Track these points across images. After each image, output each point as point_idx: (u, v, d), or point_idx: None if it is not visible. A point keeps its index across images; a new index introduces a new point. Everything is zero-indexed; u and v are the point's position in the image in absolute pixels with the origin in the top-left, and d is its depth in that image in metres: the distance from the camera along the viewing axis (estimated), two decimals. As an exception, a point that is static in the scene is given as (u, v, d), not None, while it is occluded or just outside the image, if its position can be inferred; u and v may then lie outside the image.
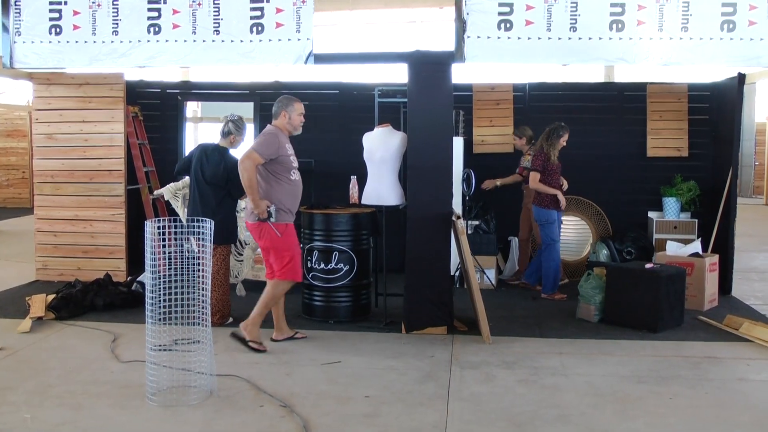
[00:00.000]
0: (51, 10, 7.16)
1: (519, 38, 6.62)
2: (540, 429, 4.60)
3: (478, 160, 9.38)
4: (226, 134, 7.05)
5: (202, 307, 5.08)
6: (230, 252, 7.22)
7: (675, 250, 7.88)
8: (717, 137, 9.38)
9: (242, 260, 8.41)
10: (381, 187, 7.39)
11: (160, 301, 5.03)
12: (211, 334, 5.14)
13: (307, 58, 6.85)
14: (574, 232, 9.71)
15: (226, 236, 6.99)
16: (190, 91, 10.61)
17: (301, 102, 6.36)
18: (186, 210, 7.43)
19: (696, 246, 7.92)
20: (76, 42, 7.16)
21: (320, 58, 6.93)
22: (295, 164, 6.29)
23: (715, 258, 7.96)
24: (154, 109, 10.06)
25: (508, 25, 6.62)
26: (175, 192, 7.84)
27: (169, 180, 9.74)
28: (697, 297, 7.64)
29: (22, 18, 7.22)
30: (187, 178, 7.44)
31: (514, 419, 4.74)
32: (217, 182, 6.93)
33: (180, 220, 5.31)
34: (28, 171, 17.30)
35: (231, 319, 7.09)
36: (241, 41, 6.92)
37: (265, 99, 9.98)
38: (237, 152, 7.29)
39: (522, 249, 9.07)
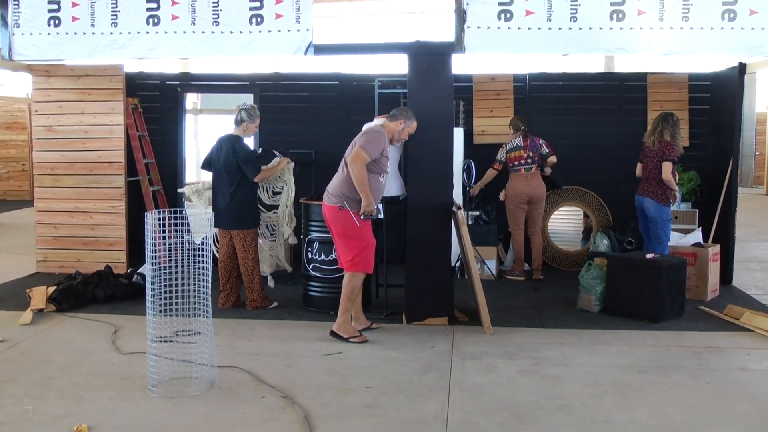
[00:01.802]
0: (50, 2, 7.13)
1: (519, 28, 6.60)
2: (541, 419, 4.61)
3: (478, 151, 9.36)
4: (238, 122, 7.19)
5: (203, 299, 5.08)
6: (256, 236, 7.32)
7: (676, 240, 7.87)
8: (717, 127, 9.36)
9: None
10: (381, 178, 7.40)
11: (160, 292, 5.03)
12: (212, 325, 5.14)
13: (306, 49, 6.83)
14: (574, 223, 9.71)
15: (248, 221, 7.23)
16: (190, 82, 10.59)
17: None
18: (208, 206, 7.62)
19: (697, 236, 7.91)
20: (75, 34, 7.14)
21: (320, 49, 6.92)
22: (388, 168, 6.37)
23: (717, 248, 7.95)
24: (154, 101, 10.05)
25: (508, 15, 6.60)
26: (199, 192, 7.87)
27: (169, 172, 9.79)
28: (700, 287, 7.63)
29: (20, 10, 7.20)
30: (208, 180, 7.61)
31: (516, 410, 4.74)
32: (229, 169, 7.10)
33: (182, 212, 5.30)
34: (28, 163, 17.30)
35: (276, 303, 7.39)
36: (241, 32, 6.90)
37: (264, 90, 9.99)
38: (250, 141, 7.40)
39: (516, 240, 8.92)
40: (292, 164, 7.76)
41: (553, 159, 8.74)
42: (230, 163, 7.09)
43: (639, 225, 8.42)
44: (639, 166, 8.18)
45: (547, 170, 8.78)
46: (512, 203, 8.70)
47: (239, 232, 7.17)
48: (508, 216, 8.82)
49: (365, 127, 7.61)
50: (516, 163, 8.61)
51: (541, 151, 8.69)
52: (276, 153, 7.48)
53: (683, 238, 7.88)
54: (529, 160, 8.63)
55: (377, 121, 7.59)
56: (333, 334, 6.20)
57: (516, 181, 8.66)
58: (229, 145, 7.13)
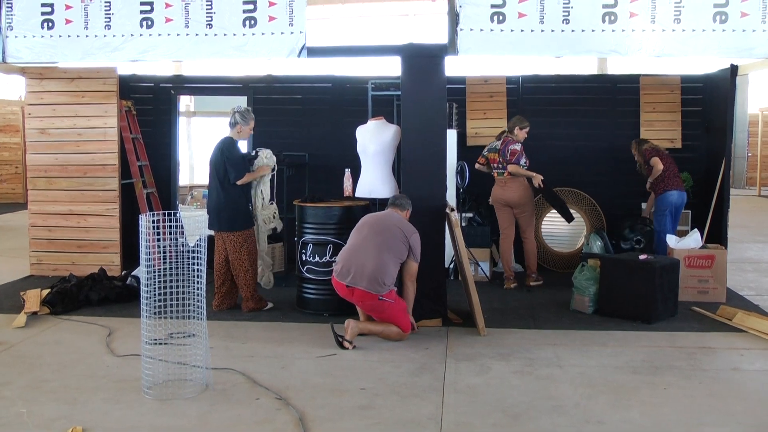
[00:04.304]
0: (43, 5, 7.11)
1: (512, 30, 6.61)
2: (535, 420, 4.62)
3: (471, 153, 9.36)
4: (232, 125, 7.26)
5: (197, 301, 5.09)
6: (249, 238, 7.30)
7: (674, 243, 7.86)
8: (710, 128, 9.41)
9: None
10: (375, 180, 7.41)
11: (154, 295, 5.03)
12: (207, 328, 5.15)
13: (300, 52, 6.83)
14: (567, 225, 9.72)
15: (239, 223, 7.22)
16: (183, 85, 10.59)
17: None
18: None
19: (696, 238, 7.88)
20: (69, 36, 7.12)
21: (313, 52, 6.92)
22: None
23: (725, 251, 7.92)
24: (147, 104, 10.04)
25: (501, 18, 6.61)
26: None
27: (163, 174, 9.78)
28: (719, 289, 7.63)
29: (13, 12, 7.18)
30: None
31: (510, 410, 4.76)
32: (219, 171, 7.16)
33: (176, 215, 5.31)
34: (21, 166, 17.27)
35: (271, 305, 7.39)
36: (234, 35, 6.89)
37: (258, 92, 9.98)
38: (243, 143, 7.53)
39: (501, 244, 8.73)
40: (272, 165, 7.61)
41: (510, 168, 8.24)
42: (219, 165, 7.15)
43: (667, 222, 8.48)
44: (658, 160, 8.55)
45: (535, 181, 8.29)
46: (494, 206, 8.66)
47: (231, 234, 7.17)
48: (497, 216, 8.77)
49: (358, 131, 7.65)
50: (493, 165, 8.53)
51: (506, 157, 8.29)
52: (255, 152, 7.42)
53: (682, 241, 7.87)
54: (499, 165, 8.41)
55: (371, 123, 7.64)
56: (333, 329, 6.19)
57: (495, 185, 8.56)
58: (219, 147, 7.21)
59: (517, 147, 8.27)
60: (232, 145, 7.20)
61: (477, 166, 8.70)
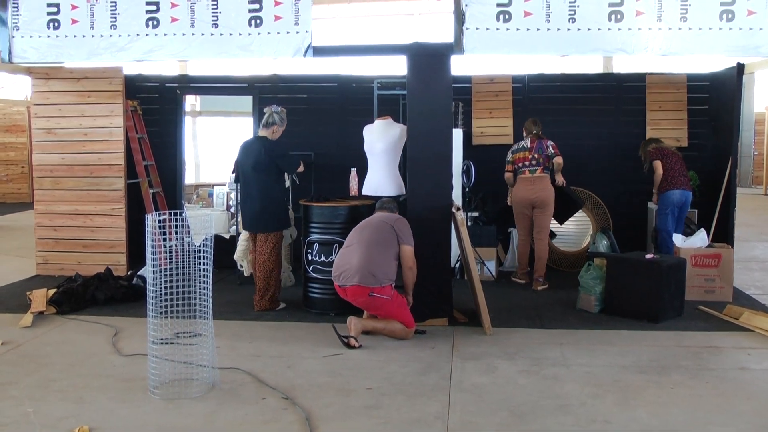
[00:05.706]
0: (49, 5, 7.13)
1: (518, 29, 6.60)
2: (541, 419, 4.61)
3: (477, 152, 9.37)
4: (269, 124, 7.29)
5: (203, 300, 5.09)
6: (281, 239, 7.39)
7: (680, 242, 7.84)
8: (716, 127, 9.38)
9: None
10: (381, 179, 7.43)
11: (161, 294, 5.04)
12: (213, 327, 5.15)
13: (306, 51, 6.84)
14: (574, 223, 9.71)
15: (282, 222, 7.35)
16: (189, 84, 10.61)
17: None
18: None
19: (702, 237, 7.86)
20: (75, 36, 7.14)
21: (319, 51, 6.92)
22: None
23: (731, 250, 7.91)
24: (153, 103, 10.04)
25: (506, 17, 6.60)
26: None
27: (169, 174, 9.79)
28: (725, 288, 7.62)
29: (20, 13, 7.20)
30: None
31: (516, 410, 4.75)
32: (260, 169, 7.17)
33: (182, 214, 5.31)
34: (28, 166, 17.32)
35: (283, 305, 7.38)
36: (240, 34, 6.90)
37: (264, 92, 9.97)
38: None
39: (519, 245, 8.79)
40: None
41: (558, 160, 8.29)
42: (261, 163, 7.14)
43: (668, 222, 8.43)
44: (659, 164, 8.54)
45: (559, 179, 8.35)
46: (516, 208, 8.52)
47: (268, 235, 7.21)
48: (515, 220, 8.72)
49: (365, 131, 7.65)
50: (520, 164, 8.40)
51: (547, 153, 8.30)
52: None
53: (688, 240, 7.85)
54: (533, 162, 8.31)
55: (378, 122, 7.64)
56: (336, 329, 6.21)
57: (520, 184, 8.44)
58: (259, 147, 7.20)
59: (553, 143, 8.39)
60: (277, 143, 7.28)
61: (507, 175, 8.58)
